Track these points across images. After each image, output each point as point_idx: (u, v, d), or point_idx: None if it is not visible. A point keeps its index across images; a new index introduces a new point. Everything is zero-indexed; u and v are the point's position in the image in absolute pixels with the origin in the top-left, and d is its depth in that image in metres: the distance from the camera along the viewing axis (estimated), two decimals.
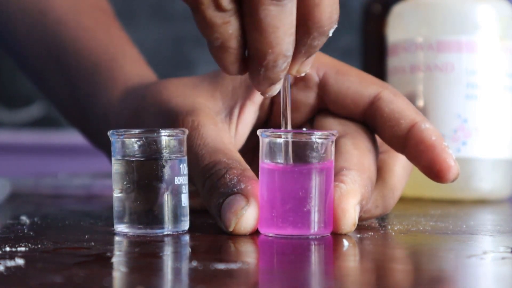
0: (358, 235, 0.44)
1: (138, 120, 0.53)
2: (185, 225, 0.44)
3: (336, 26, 0.42)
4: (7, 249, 0.38)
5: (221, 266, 0.34)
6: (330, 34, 0.42)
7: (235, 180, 0.43)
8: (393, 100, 0.47)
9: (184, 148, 0.44)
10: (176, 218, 0.43)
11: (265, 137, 0.43)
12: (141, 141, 0.43)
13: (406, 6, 0.72)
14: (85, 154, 1.18)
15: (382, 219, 0.51)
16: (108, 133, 0.44)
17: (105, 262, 0.36)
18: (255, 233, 0.43)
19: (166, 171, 0.43)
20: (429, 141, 0.45)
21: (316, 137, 0.42)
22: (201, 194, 0.45)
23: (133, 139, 0.43)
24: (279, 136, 0.43)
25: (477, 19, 0.68)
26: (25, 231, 0.44)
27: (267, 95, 0.44)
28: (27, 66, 0.70)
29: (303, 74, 0.44)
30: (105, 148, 0.60)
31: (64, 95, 0.65)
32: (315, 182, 0.42)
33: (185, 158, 0.44)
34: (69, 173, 0.85)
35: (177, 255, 0.38)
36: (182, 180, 0.44)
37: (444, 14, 0.69)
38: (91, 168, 1.02)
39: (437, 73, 0.68)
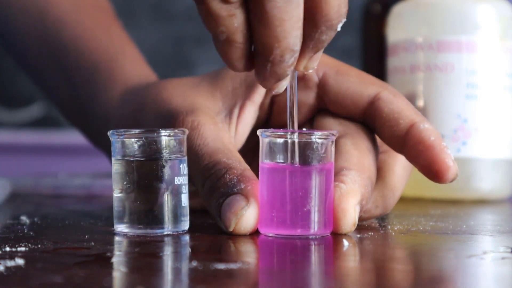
0: (358, 235, 0.44)
1: (138, 120, 0.53)
2: (185, 225, 0.44)
3: (344, 20, 0.41)
4: (7, 249, 0.38)
5: (221, 266, 0.34)
6: (339, 29, 0.41)
7: (235, 180, 0.43)
8: (393, 100, 0.47)
9: (184, 148, 0.44)
10: (176, 218, 0.43)
11: (265, 137, 0.43)
12: (141, 141, 0.43)
13: (406, 6, 0.72)
14: (85, 154, 1.18)
15: (382, 219, 0.51)
16: (108, 133, 0.44)
17: (105, 262, 0.36)
18: (255, 233, 0.43)
19: (166, 171, 0.43)
20: (428, 141, 0.45)
21: (316, 137, 0.42)
22: (201, 194, 0.45)
23: (133, 139, 0.43)
24: (279, 136, 0.43)
25: (477, 19, 0.68)
26: (25, 231, 0.44)
27: (273, 92, 0.43)
28: (27, 65, 0.70)
29: (311, 71, 0.43)
30: (105, 148, 0.60)
31: (64, 95, 0.66)
32: (315, 182, 0.42)
33: (185, 158, 0.44)
34: (69, 173, 0.85)
35: (177, 255, 0.38)
36: (182, 180, 0.44)
37: (444, 14, 0.69)
38: (91, 168, 1.02)
39: (437, 73, 0.68)
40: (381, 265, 0.37)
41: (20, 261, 0.34)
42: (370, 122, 0.48)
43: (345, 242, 0.42)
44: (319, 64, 0.49)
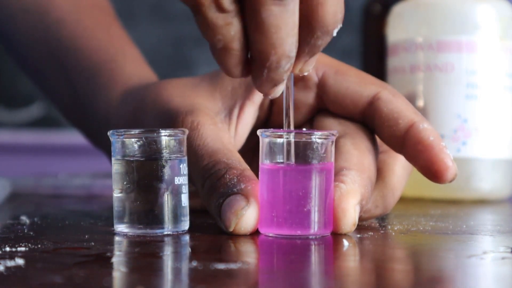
0: (358, 235, 0.44)
1: (138, 120, 0.53)
2: (185, 225, 0.44)
3: (340, 25, 0.41)
4: (7, 249, 0.38)
5: (221, 266, 0.34)
6: (335, 34, 0.41)
7: (235, 180, 0.43)
8: (392, 100, 0.47)
9: (184, 148, 0.44)
10: (176, 218, 0.43)
11: (265, 137, 0.43)
12: (141, 141, 0.43)
13: (406, 6, 0.72)
14: (85, 154, 1.18)
15: (382, 219, 0.51)
16: (108, 133, 0.44)
17: (105, 262, 0.36)
18: (255, 233, 0.43)
19: (166, 171, 0.43)
20: (427, 141, 0.45)
21: (316, 137, 0.42)
22: (201, 194, 0.45)
23: (133, 139, 0.43)
24: (279, 136, 0.43)
25: (477, 19, 0.68)
26: (25, 231, 0.44)
27: (270, 97, 0.43)
28: (27, 66, 0.70)
29: (306, 73, 0.43)
30: (105, 148, 0.60)
31: (65, 95, 0.66)
32: (315, 182, 0.42)
33: (185, 158, 0.44)
34: (69, 173, 0.85)
35: (177, 255, 0.38)
36: (182, 180, 0.44)
37: (444, 14, 0.69)
38: (91, 168, 1.02)
39: (437, 73, 0.68)
40: (381, 265, 0.37)
41: (20, 261, 0.34)
42: (370, 122, 0.48)
43: (345, 242, 0.42)
44: (318, 64, 0.49)
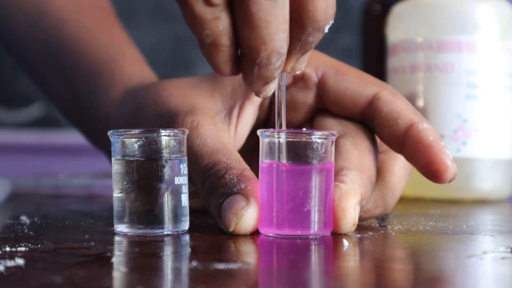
0: (358, 235, 0.44)
1: (138, 120, 0.53)
2: (185, 225, 0.44)
3: (332, 22, 0.40)
4: (7, 249, 0.38)
5: (221, 266, 0.34)
6: (326, 30, 0.41)
7: (235, 180, 0.43)
8: (392, 100, 0.47)
9: (184, 148, 0.44)
10: (176, 218, 0.43)
11: (265, 137, 0.43)
12: (141, 141, 0.43)
13: (406, 6, 0.72)
14: (85, 154, 1.18)
15: (382, 219, 0.51)
16: (108, 133, 0.44)
17: (105, 262, 0.36)
18: (255, 233, 0.43)
19: (166, 171, 0.43)
20: (427, 141, 0.45)
21: (316, 137, 0.42)
22: (200, 194, 0.45)
23: (133, 139, 0.43)
24: (279, 136, 0.43)
25: (477, 19, 0.68)
26: (25, 231, 0.44)
27: (261, 96, 0.43)
28: (27, 66, 0.70)
29: (298, 72, 0.43)
30: (105, 148, 0.60)
31: (64, 95, 0.66)
32: (315, 182, 0.42)
33: (185, 158, 0.44)
34: (69, 173, 0.85)
35: (177, 255, 0.38)
36: (182, 180, 0.44)
37: (444, 14, 0.69)
38: (91, 168, 1.02)
39: (437, 73, 0.68)
40: (381, 265, 0.37)
41: (20, 261, 0.34)
42: (369, 122, 0.48)
43: (345, 242, 0.42)
44: (318, 64, 0.49)
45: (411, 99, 0.68)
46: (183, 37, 1.76)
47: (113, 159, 0.44)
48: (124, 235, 0.43)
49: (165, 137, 0.43)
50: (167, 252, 0.38)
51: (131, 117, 0.54)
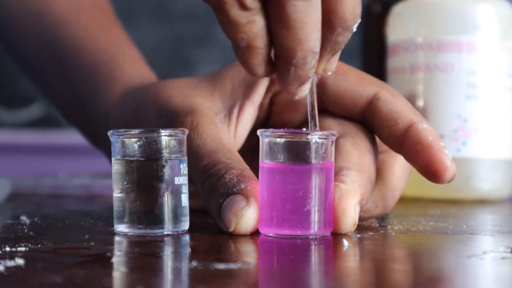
0: (358, 235, 0.44)
1: (138, 121, 0.53)
2: (185, 225, 0.44)
3: (359, 20, 0.41)
4: (7, 249, 0.38)
5: (221, 266, 0.34)
6: (354, 29, 0.42)
7: (235, 180, 0.43)
8: (391, 100, 0.47)
9: (184, 148, 0.44)
10: (176, 218, 0.43)
11: (265, 137, 0.43)
12: (141, 141, 0.43)
13: (406, 6, 0.72)
14: (85, 154, 1.18)
15: (382, 219, 0.51)
16: (108, 133, 0.44)
17: (105, 262, 0.36)
18: (255, 233, 0.43)
19: (166, 171, 0.43)
20: (426, 141, 0.45)
21: (316, 137, 0.42)
22: (200, 194, 0.45)
23: (133, 139, 0.43)
24: (279, 136, 0.43)
25: (477, 19, 0.68)
26: (25, 231, 0.44)
27: (297, 97, 0.43)
28: (27, 65, 0.70)
29: (329, 73, 0.43)
30: (105, 148, 0.60)
31: (64, 95, 0.65)
32: (315, 182, 0.42)
33: (185, 158, 0.44)
34: (69, 173, 0.85)
35: (177, 255, 0.38)
36: (182, 180, 0.44)
37: (444, 14, 0.69)
38: (91, 168, 1.02)
39: (437, 73, 0.68)
40: (381, 265, 0.37)
41: (20, 261, 0.34)
42: (369, 122, 0.48)
43: (345, 242, 0.41)
44: None
45: (411, 99, 0.68)
46: (183, 37, 1.76)
47: (113, 159, 0.44)
48: (124, 235, 0.43)
49: (165, 137, 0.43)
50: (167, 252, 0.38)
51: (131, 117, 0.54)
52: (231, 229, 0.42)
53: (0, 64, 1.76)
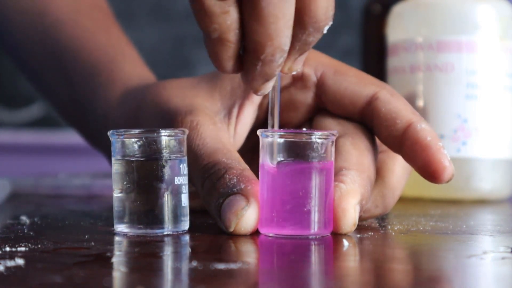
0: (358, 235, 0.44)
1: (137, 121, 0.53)
2: (185, 225, 0.44)
3: (331, 23, 0.41)
4: (7, 249, 0.38)
5: (221, 266, 0.34)
6: (325, 31, 0.41)
7: (235, 180, 0.43)
8: (390, 100, 0.47)
9: (184, 148, 0.44)
10: (176, 218, 0.43)
11: (265, 137, 0.43)
12: (141, 141, 0.43)
13: (406, 6, 0.72)
14: (85, 154, 1.18)
15: (382, 219, 0.51)
16: (108, 133, 0.44)
17: (105, 262, 0.36)
18: (255, 233, 0.43)
19: (166, 171, 0.43)
20: (424, 142, 0.45)
21: (316, 137, 0.42)
22: (200, 194, 0.45)
23: (133, 139, 0.43)
24: (279, 136, 0.43)
25: (477, 19, 0.68)
26: (25, 231, 0.44)
27: (259, 93, 0.43)
28: (26, 67, 0.70)
29: (294, 73, 0.43)
30: (104, 148, 0.60)
31: (63, 96, 0.65)
32: (315, 182, 0.42)
33: (185, 158, 0.44)
34: (69, 173, 0.85)
35: (177, 255, 0.38)
36: (182, 180, 0.44)
37: (444, 14, 0.69)
38: (91, 168, 1.03)
39: (437, 73, 0.68)
40: (381, 265, 0.37)
41: (20, 261, 0.34)
42: (368, 122, 0.48)
43: (345, 242, 0.42)
44: (317, 64, 0.49)
45: (411, 99, 0.68)
46: (183, 37, 1.76)
47: (113, 159, 0.44)
48: (124, 235, 0.43)
49: (165, 137, 0.43)
50: (167, 252, 0.38)
51: (131, 117, 0.54)
52: (231, 229, 0.42)
53: (0, 64, 1.76)
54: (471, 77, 0.68)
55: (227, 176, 0.43)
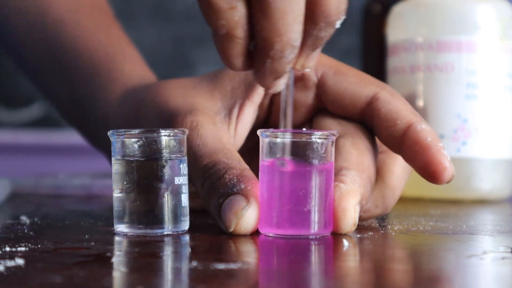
0: (358, 235, 0.44)
1: (138, 121, 0.53)
2: (185, 225, 0.44)
3: (344, 17, 0.41)
4: (7, 249, 0.38)
5: (221, 266, 0.34)
6: (338, 26, 0.41)
7: (235, 180, 0.43)
8: (390, 101, 0.47)
9: (184, 148, 0.44)
10: (176, 218, 0.43)
11: (265, 137, 0.43)
12: (141, 141, 0.43)
13: (406, 6, 0.72)
14: (85, 154, 1.18)
15: (382, 219, 0.51)
16: (108, 133, 0.44)
17: (105, 262, 0.36)
18: (255, 233, 0.43)
19: (166, 171, 0.43)
20: (424, 142, 0.45)
21: (316, 137, 0.42)
22: (200, 194, 0.45)
23: (133, 139, 0.43)
24: (280, 136, 0.43)
25: (477, 19, 0.68)
26: (25, 231, 0.44)
27: (271, 91, 0.42)
28: (26, 66, 0.70)
29: (307, 70, 0.42)
30: (104, 148, 0.60)
31: (63, 96, 0.65)
32: (315, 182, 0.42)
33: (185, 158, 0.44)
34: (69, 173, 0.85)
35: (177, 255, 0.38)
36: (182, 180, 0.44)
37: (444, 14, 0.69)
38: (91, 168, 1.03)
39: (437, 73, 0.68)
40: (381, 265, 0.37)
41: (20, 261, 0.34)
42: (368, 122, 0.48)
43: (345, 242, 0.42)
44: (317, 64, 0.49)
45: (411, 99, 0.68)
46: (183, 37, 1.76)
47: (113, 159, 0.44)
48: (124, 235, 0.43)
49: (165, 137, 0.43)
50: (167, 252, 0.38)
51: (131, 117, 0.54)
52: (231, 229, 0.42)
53: (0, 64, 1.76)
54: (471, 77, 0.68)
55: (227, 176, 0.43)
